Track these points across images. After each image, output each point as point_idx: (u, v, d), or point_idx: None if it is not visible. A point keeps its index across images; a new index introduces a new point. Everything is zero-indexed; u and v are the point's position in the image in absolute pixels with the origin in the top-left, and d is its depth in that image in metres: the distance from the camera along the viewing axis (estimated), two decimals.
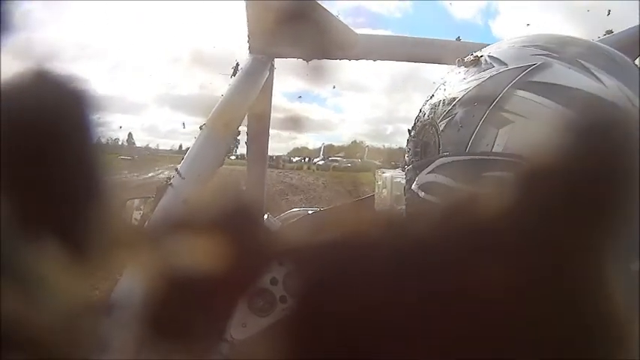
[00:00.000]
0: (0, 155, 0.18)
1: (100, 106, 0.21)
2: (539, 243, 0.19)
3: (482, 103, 0.66)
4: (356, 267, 0.20)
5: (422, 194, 0.73)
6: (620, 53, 0.69)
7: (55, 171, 0.20)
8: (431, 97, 0.77)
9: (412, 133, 0.80)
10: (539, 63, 0.65)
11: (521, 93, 0.64)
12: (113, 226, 0.20)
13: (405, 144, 0.82)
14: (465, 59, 0.74)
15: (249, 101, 1.24)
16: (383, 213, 0.21)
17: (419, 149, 0.76)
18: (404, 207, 0.82)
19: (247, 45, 1.26)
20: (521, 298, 0.19)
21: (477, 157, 0.66)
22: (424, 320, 0.19)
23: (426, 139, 0.74)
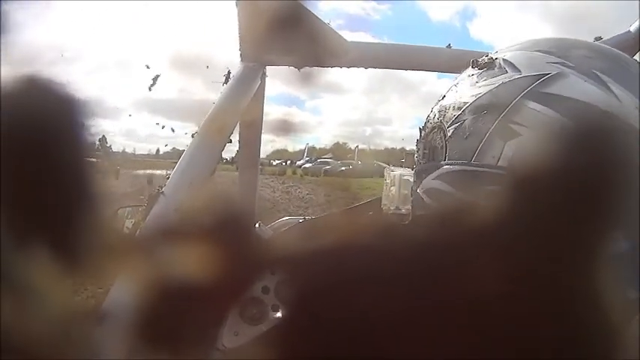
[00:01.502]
0: None
1: (91, 113, 0.21)
2: (533, 263, 0.19)
3: (491, 112, 0.64)
4: (348, 275, 0.20)
5: (426, 199, 0.72)
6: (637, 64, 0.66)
7: (46, 179, 0.20)
8: (442, 98, 0.74)
9: (422, 134, 0.78)
10: (553, 73, 0.62)
11: (532, 105, 0.61)
12: (105, 235, 0.20)
13: (415, 143, 0.80)
14: (479, 60, 0.71)
15: (241, 109, 1.24)
16: (375, 220, 0.21)
17: (427, 152, 0.74)
18: (409, 207, 0.81)
19: (239, 53, 1.26)
20: (516, 311, 0.19)
21: (482, 169, 0.64)
22: (417, 326, 0.19)
23: (434, 142, 0.72)
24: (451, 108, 0.70)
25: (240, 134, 1.45)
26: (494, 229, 0.19)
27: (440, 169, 0.69)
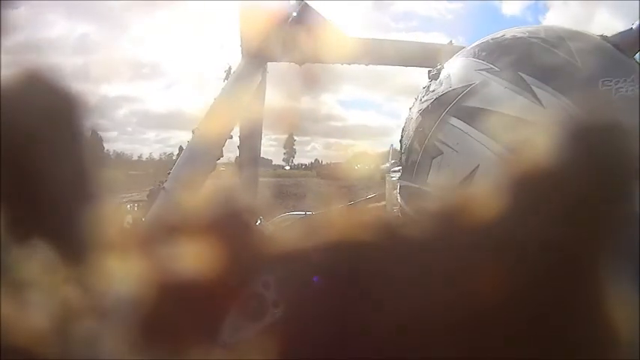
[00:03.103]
0: None
1: (92, 110, 0.21)
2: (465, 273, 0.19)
3: (425, 129, 0.65)
4: (347, 270, 0.20)
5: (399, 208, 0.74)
6: (596, 59, 0.61)
7: (48, 174, 0.20)
8: (410, 108, 0.75)
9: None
10: (477, 82, 0.62)
11: (453, 121, 0.62)
12: (106, 230, 0.20)
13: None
14: (430, 72, 0.72)
15: (241, 105, 1.24)
16: (374, 216, 0.21)
17: (401, 160, 0.76)
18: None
19: (240, 48, 1.26)
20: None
21: (416, 185, 0.65)
22: (419, 320, 0.19)
23: (402, 152, 0.74)
24: (409, 121, 0.72)
25: (240, 131, 1.44)
26: (428, 244, 0.20)
27: (399, 183, 0.73)
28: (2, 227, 0.19)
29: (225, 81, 1.25)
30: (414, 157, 0.66)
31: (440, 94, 0.66)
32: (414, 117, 0.70)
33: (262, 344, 0.20)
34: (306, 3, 1.20)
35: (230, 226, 0.21)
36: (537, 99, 0.58)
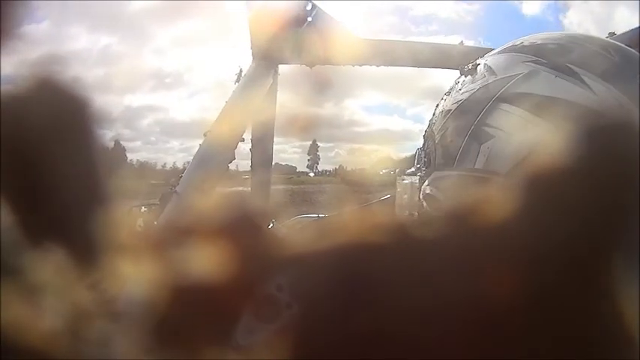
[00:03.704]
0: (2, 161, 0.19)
1: (103, 113, 0.21)
2: (514, 260, 0.19)
3: (468, 117, 0.66)
4: (361, 273, 0.20)
5: (425, 205, 0.74)
6: (631, 54, 0.66)
7: (60, 177, 0.20)
8: (436, 106, 0.77)
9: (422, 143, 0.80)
10: (526, 72, 0.64)
11: (504, 106, 0.63)
12: (118, 233, 0.20)
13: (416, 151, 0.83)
14: (465, 67, 0.74)
15: (253, 107, 1.24)
16: (388, 219, 0.21)
17: (425, 159, 0.76)
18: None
19: (250, 51, 1.26)
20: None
21: (462, 172, 0.66)
22: (431, 326, 0.19)
23: (428, 149, 0.75)
24: (440, 115, 0.73)
25: (252, 133, 1.45)
26: (477, 233, 0.20)
27: (431, 176, 0.72)
28: (16, 230, 0.19)
29: (237, 83, 1.26)
30: (454, 147, 0.67)
31: (484, 83, 0.67)
32: (448, 110, 0.71)
33: (275, 346, 0.20)
34: (316, 5, 1.20)
35: (242, 228, 0.21)
36: (589, 87, 0.59)
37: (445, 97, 0.75)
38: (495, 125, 0.63)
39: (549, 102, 0.60)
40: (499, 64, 0.68)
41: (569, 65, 0.62)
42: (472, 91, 0.68)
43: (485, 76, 0.68)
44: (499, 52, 0.72)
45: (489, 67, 0.69)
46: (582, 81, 0.60)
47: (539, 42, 0.68)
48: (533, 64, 0.64)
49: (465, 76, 0.72)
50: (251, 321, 0.20)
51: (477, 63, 0.72)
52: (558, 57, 0.63)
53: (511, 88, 0.63)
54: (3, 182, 0.19)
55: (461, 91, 0.70)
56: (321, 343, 0.20)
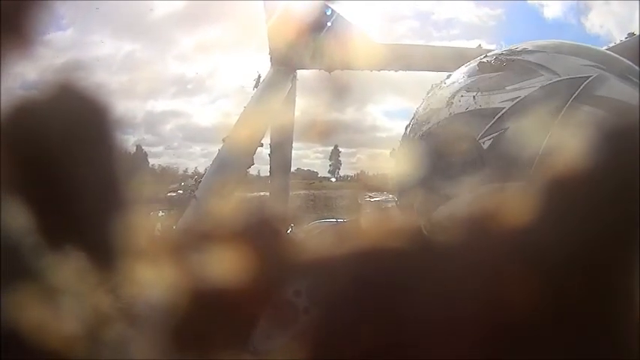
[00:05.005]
0: (20, 165, 0.19)
1: (126, 119, 0.21)
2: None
3: (543, 117, 0.59)
4: (379, 279, 0.20)
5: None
6: None
7: (81, 182, 0.20)
8: (431, 106, 0.70)
9: (425, 146, 0.69)
10: (594, 75, 0.61)
11: (586, 108, 0.59)
12: (137, 237, 0.20)
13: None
14: (492, 62, 0.66)
15: (271, 112, 1.25)
16: (406, 223, 0.20)
17: (444, 166, 0.64)
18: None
19: (269, 57, 1.27)
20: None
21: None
22: (452, 333, 0.19)
23: (459, 156, 0.62)
24: (476, 116, 0.63)
25: (271, 138, 1.45)
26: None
27: (481, 188, 0.59)
28: (37, 233, 0.19)
29: (255, 89, 1.26)
30: (528, 149, 0.57)
31: (545, 82, 0.62)
32: (491, 108, 0.62)
33: (293, 351, 0.20)
34: (335, 10, 1.20)
35: (260, 233, 0.21)
36: None
37: (458, 94, 0.66)
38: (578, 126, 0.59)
39: (626, 106, 0.59)
40: (553, 63, 0.63)
41: (626, 74, 0.62)
42: (530, 89, 0.61)
43: (541, 75, 0.62)
44: (533, 51, 0.65)
45: (542, 66, 0.63)
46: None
47: (576, 48, 0.66)
48: (596, 69, 0.62)
49: (496, 72, 0.65)
50: (268, 326, 0.20)
51: (511, 59, 0.65)
52: (615, 65, 0.63)
53: (587, 90, 0.60)
54: (25, 187, 0.19)
55: (507, 88, 0.62)
56: (339, 348, 0.20)
